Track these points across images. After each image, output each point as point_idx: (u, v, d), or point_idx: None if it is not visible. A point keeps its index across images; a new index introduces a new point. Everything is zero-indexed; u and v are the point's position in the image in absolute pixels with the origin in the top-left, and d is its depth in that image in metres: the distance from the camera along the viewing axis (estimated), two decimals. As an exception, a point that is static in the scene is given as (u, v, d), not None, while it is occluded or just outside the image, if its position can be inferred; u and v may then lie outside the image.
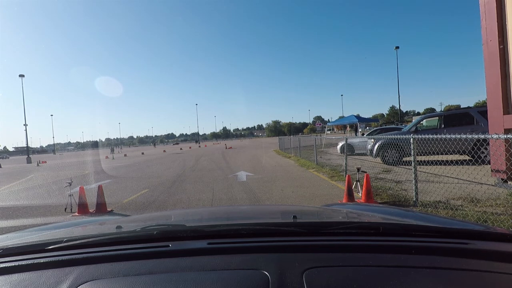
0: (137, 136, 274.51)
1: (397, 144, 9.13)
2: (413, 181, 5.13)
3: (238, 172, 11.36)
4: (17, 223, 5.67)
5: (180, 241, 1.01)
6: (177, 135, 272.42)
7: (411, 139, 5.19)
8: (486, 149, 7.82)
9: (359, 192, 6.18)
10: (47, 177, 14.79)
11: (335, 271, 0.79)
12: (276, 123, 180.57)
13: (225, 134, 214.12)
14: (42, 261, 0.92)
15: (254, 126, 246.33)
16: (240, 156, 21.31)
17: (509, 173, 4.74)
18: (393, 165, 9.77)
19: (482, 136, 3.91)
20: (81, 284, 0.78)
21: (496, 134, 3.83)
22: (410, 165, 5.27)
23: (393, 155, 10.08)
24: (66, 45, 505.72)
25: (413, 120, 15.06)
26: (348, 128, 45.36)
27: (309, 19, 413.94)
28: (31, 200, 8.13)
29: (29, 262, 0.92)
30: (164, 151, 41.46)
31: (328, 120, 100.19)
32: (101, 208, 6.20)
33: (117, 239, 1.06)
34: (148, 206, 6.45)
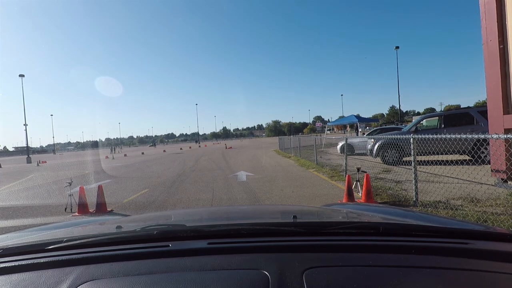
0: (137, 136, 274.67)
1: (397, 144, 9.14)
2: (413, 181, 5.13)
3: (238, 172, 11.36)
4: (17, 223, 5.67)
5: (180, 241, 1.01)
6: (177, 135, 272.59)
7: (411, 139, 5.19)
8: (486, 149, 7.82)
9: (359, 192, 6.18)
10: (47, 177, 14.79)
11: (335, 271, 0.79)
12: (276, 123, 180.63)
13: (225, 134, 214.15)
14: (42, 261, 0.92)
15: (254, 126, 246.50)
16: (240, 156, 21.32)
17: (509, 173, 4.74)
18: (393, 165, 9.77)
19: (482, 136, 3.91)
20: (81, 284, 0.78)
21: (496, 134, 3.83)
22: (410, 165, 5.27)
23: (393, 155, 10.08)
24: (66, 45, 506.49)
25: (413, 120, 15.06)
26: (348, 128, 45.39)
27: (309, 19, 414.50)
28: (31, 200, 8.13)
29: (29, 262, 0.91)
30: (164, 151, 41.46)
31: (328, 120, 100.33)
32: (101, 208, 6.20)
33: (117, 239, 1.06)
34: (148, 206, 6.45)
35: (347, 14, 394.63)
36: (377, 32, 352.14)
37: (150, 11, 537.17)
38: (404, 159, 9.50)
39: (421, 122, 11.00)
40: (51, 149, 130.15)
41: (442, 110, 64.44)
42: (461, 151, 8.58)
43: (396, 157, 9.77)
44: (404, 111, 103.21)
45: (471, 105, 35.19)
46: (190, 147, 51.50)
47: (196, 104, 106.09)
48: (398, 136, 8.49)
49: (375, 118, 69.58)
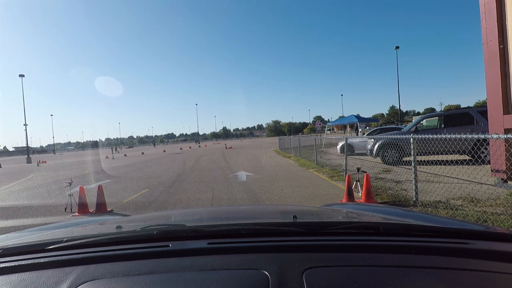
0: (137, 136, 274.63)
1: (397, 144, 9.14)
2: (413, 181, 5.13)
3: (238, 172, 11.36)
4: (17, 223, 5.67)
5: (180, 241, 1.01)
6: (177, 135, 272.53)
7: (411, 139, 5.19)
8: (486, 149, 7.83)
9: (359, 192, 6.18)
10: (47, 177, 14.79)
11: (335, 271, 0.79)
12: (276, 123, 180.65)
13: (225, 134, 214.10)
14: (42, 261, 0.92)
15: (254, 126, 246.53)
16: (240, 156, 21.32)
17: (509, 173, 4.74)
18: (393, 165, 9.77)
19: (482, 136, 3.91)
20: (81, 284, 0.78)
21: (496, 134, 3.83)
22: (410, 165, 5.27)
23: (393, 155, 10.08)
24: (66, 45, 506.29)
25: (413, 120, 15.06)
26: (348, 128, 45.38)
27: (310, 19, 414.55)
28: (31, 200, 8.13)
29: (29, 262, 0.91)
30: (164, 151, 41.47)
31: (328, 120, 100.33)
32: (101, 208, 6.20)
33: (117, 239, 1.06)
34: (148, 206, 6.45)
35: (347, 14, 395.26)
36: (377, 32, 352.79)
37: (150, 11, 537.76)
38: (404, 159, 9.50)
39: (421, 122, 11.00)
40: (51, 149, 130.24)
41: (442, 110, 64.50)
42: (461, 151, 8.58)
43: (396, 157, 9.77)
44: (404, 111, 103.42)
45: (471, 105, 35.19)
46: (190, 147, 51.51)
47: (196, 104, 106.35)
48: (398, 136, 8.50)
49: (375, 118, 69.53)
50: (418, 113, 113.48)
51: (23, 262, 0.92)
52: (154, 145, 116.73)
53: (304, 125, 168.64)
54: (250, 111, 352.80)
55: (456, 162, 6.19)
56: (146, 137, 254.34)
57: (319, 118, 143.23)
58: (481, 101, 60.08)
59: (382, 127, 19.67)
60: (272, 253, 0.89)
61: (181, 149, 46.27)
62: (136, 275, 0.81)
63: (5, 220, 5.99)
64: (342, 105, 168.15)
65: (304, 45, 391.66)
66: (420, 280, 0.75)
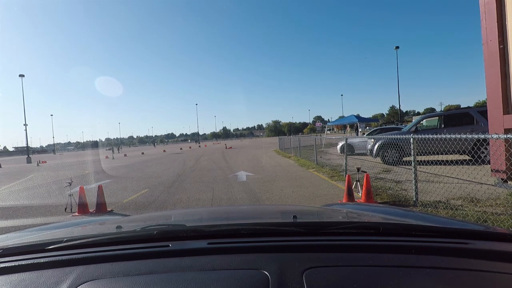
0: (137, 136, 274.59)
1: (397, 144, 9.14)
2: (413, 181, 5.13)
3: (238, 172, 11.36)
4: (17, 223, 5.67)
5: (180, 241, 1.01)
6: (177, 135, 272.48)
7: (411, 139, 5.19)
8: (486, 149, 7.83)
9: (359, 192, 6.18)
10: (47, 177, 14.79)
11: (335, 271, 0.79)
12: (276, 123, 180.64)
13: (225, 134, 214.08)
14: (42, 261, 0.92)
15: (254, 126, 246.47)
16: (240, 156, 21.32)
17: (509, 173, 4.74)
18: (393, 165, 9.77)
19: (482, 136, 3.91)
20: (81, 284, 0.78)
21: (496, 134, 3.83)
22: (410, 165, 5.27)
23: (393, 155, 10.08)
24: (66, 45, 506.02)
25: (413, 120, 15.06)
26: (348, 128, 45.37)
27: (310, 19, 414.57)
28: (31, 200, 8.13)
29: (29, 262, 0.91)
30: (164, 151, 41.46)
31: (328, 120, 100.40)
32: (101, 208, 6.20)
33: (117, 239, 1.06)
34: (148, 206, 6.45)
35: (347, 14, 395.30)
36: (377, 32, 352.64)
37: (150, 11, 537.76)
38: (404, 159, 9.50)
39: (421, 122, 11.01)
40: (51, 149, 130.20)
41: (442, 110, 64.49)
42: (461, 151, 8.58)
43: (396, 157, 9.77)
44: (404, 111, 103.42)
45: (471, 105, 35.18)
46: (190, 147, 51.50)
47: (196, 104, 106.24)
48: (398, 136, 8.50)
49: (375, 118, 69.56)
50: (418, 113, 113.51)
51: (23, 262, 0.92)
52: (155, 145, 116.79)
53: (304, 125, 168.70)
54: (250, 111, 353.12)
55: (456, 162, 6.19)
56: (146, 137, 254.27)
57: (319, 118, 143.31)
58: (481, 101, 60.11)
59: (382, 127, 19.67)
60: (272, 253, 0.89)
61: (181, 149, 46.27)
62: (136, 275, 0.81)
63: (5, 220, 5.99)
64: (342, 105, 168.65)
65: (304, 45, 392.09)
66: (420, 280, 0.75)
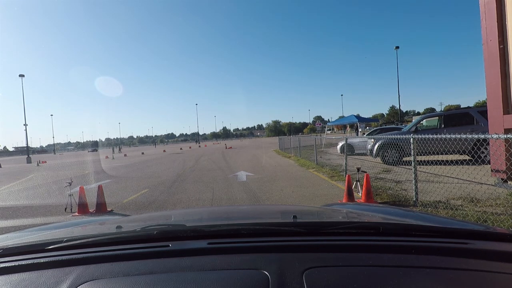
0: (137, 136, 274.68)
1: (397, 144, 9.14)
2: (413, 181, 5.13)
3: (238, 172, 11.36)
4: (17, 223, 5.67)
5: (180, 241, 1.01)
6: (177, 135, 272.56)
7: (411, 139, 5.19)
8: (486, 149, 7.82)
9: (359, 192, 6.18)
10: (47, 177, 14.79)
11: (335, 271, 0.79)
12: (276, 123, 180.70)
13: (225, 134, 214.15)
14: (42, 261, 0.92)
15: (254, 126, 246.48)
16: (240, 156, 21.32)
17: (509, 173, 4.74)
18: (393, 165, 9.77)
19: (482, 136, 3.91)
20: (81, 284, 0.78)
21: (496, 134, 3.83)
22: (410, 165, 5.27)
23: (393, 155, 10.08)
24: (66, 45, 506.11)
25: (413, 120, 15.06)
26: (348, 128, 45.38)
27: (310, 19, 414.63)
28: (31, 200, 8.13)
29: (29, 262, 0.91)
30: (164, 151, 41.47)
31: (328, 120, 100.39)
32: (101, 208, 6.20)
33: (117, 239, 1.06)
34: (148, 206, 6.45)
35: (347, 14, 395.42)
36: (377, 32, 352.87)
37: (150, 11, 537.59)
38: (404, 159, 9.50)
39: (421, 122, 11.00)
40: (51, 149, 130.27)
41: (442, 110, 64.48)
42: (461, 151, 8.58)
43: (396, 157, 9.77)
44: (404, 111, 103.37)
45: (471, 105, 35.21)
46: (190, 147, 51.50)
47: (196, 104, 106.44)
48: (398, 136, 8.50)
49: (375, 118, 69.56)
50: (418, 113, 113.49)
51: (23, 262, 0.92)
52: (155, 145, 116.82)
53: (304, 125, 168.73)
54: (250, 111, 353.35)
55: (456, 162, 6.19)
56: (146, 137, 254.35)
57: (319, 118, 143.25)
58: (481, 101, 60.06)
59: (382, 127, 19.66)
60: (272, 253, 0.89)
61: (181, 149, 46.26)
62: (136, 275, 0.81)
63: (5, 220, 5.99)
64: (342, 105, 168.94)
65: (304, 45, 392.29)
66: (420, 280, 0.75)
